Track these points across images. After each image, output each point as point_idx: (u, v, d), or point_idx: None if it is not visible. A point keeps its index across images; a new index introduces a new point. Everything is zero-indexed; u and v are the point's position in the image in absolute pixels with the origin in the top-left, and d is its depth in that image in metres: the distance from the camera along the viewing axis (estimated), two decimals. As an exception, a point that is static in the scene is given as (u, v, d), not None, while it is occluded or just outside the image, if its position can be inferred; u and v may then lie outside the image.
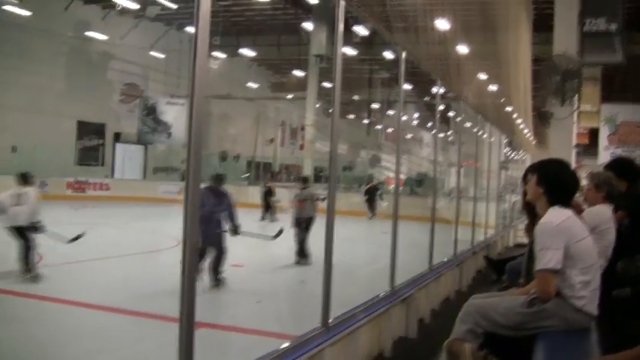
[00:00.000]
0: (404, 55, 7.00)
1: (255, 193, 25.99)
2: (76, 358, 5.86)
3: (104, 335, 6.39)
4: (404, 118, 26.81)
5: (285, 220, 13.03)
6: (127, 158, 33.36)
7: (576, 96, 16.28)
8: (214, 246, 9.30)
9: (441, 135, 13.51)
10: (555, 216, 3.92)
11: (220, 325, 6.59)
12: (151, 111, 33.29)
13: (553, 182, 4.13)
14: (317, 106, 32.72)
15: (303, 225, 12.18)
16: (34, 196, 9.91)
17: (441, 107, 9.94)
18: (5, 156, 25.54)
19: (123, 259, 12.06)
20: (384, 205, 24.65)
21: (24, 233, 9.68)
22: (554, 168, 4.26)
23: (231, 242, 9.63)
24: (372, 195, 25.81)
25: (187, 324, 3.16)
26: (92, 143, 31.93)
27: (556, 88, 15.42)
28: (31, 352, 6.05)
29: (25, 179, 10.10)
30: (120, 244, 14.06)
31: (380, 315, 6.06)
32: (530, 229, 5.70)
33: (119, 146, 33.33)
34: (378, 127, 42.40)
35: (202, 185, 15.48)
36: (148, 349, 6.25)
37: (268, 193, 24.09)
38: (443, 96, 9.70)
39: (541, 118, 17.34)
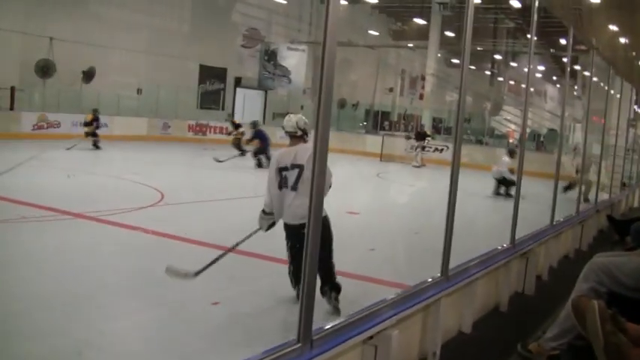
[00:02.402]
0: (537, 2, 6.75)
1: (373, 142, 26.02)
2: (197, 295, 6.07)
3: (223, 273, 6.58)
4: (527, 70, 26.04)
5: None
6: (247, 103, 33.92)
7: None
8: None
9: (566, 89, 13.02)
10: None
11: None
12: (271, 56, 33.63)
13: None
14: (438, 55, 32.15)
15: None
16: None
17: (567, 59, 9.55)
18: (131, 97, 26.58)
19: (242, 201, 12.39)
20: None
21: None
22: None
23: (348, 190, 9.69)
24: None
25: (310, 271, 3.22)
26: (214, 87, 32.64)
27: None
28: (150, 284, 6.32)
29: None
30: (239, 187, 14.41)
31: (498, 268, 6.01)
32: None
33: (240, 91, 33.90)
34: (500, 78, 41.35)
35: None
36: (266, 288, 6.43)
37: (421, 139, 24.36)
38: (572, 48, 9.33)
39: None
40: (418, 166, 23.78)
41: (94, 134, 20.08)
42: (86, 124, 20.29)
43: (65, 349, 4.64)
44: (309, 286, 3.23)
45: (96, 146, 19.78)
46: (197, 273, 5.74)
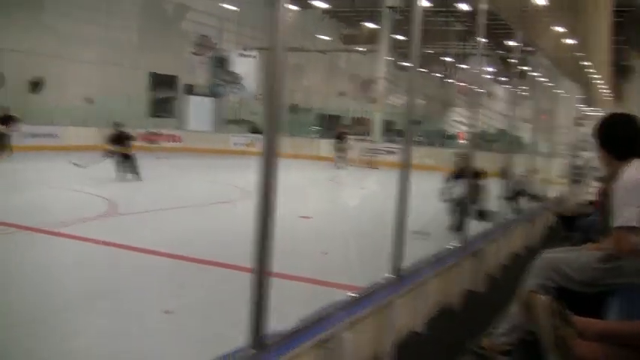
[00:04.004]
0: (484, 6, 6.85)
1: (325, 147, 26.14)
2: (150, 303, 6.03)
3: (176, 282, 6.54)
4: (476, 71, 26.36)
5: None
6: (198, 110, 33.74)
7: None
8: None
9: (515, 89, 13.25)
10: (634, 172, 3.83)
11: (287, 275, 6.68)
12: (223, 63, 33.50)
13: (610, 139, 4.05)
14: (389, 59, 32.38)
15: None
16: None
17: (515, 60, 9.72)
18: (82, 108, 26.23)
19: (194, 209, 12.31)
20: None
21: None
22: (606, 125, 4.17)
23: (300, 194, 9.71)
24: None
25: (261, 274, 3.22)
26: (164, 95, 32.40)
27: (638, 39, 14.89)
28: (105, 296, 6.25)
29: None
30: (191, 195, 14.32)
31: (450, 268, 6.07)
32: (606, 183, 5.59)
33: (191, 98, 33.71)
34: (450, 80, 41.80)
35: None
36: (220, 296, 6.40)
37: (340, 139, 24.40)
38: (520, 49, 9.49)
39: (620, 72, 16.83)
40: (341, 168, 24.01)
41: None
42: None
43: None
44: (261, 290, 3.22)
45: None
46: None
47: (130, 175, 15.78)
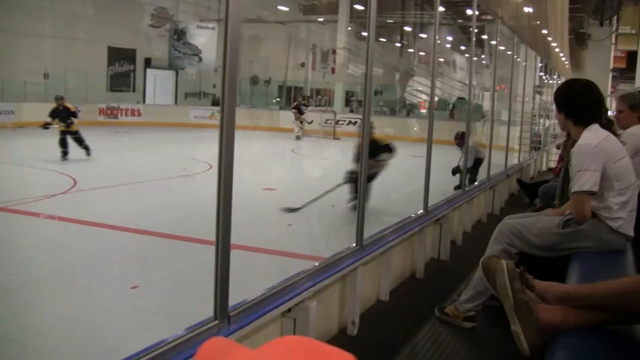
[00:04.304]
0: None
1: (286, 118, 26.10)
2: (112, 280, 5.99)
3: (139, 257, 6.49)
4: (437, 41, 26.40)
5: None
6: (158, 84, 33.36)
7: (615, 17, 15.83)
8: None
9: (475, 58, 13.29)
10: (593, 137, 3.88)
11: (253, 247, 6.67)
12: (181, 35, 33.06)
13: (570, 103, 4.08)
14: (349, 29, 32.29)
15: None
16: None
17: (476, 30, 9.74)
18: (38, 83, 25.75)
19: (155, 183, 12.21)
20: (414, 129, 24.60)
21: None
22: (565, 90, 4.20)
23: (263, 166, 9.69)
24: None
25: (223, 246, 3.21)
26: (123, 69, 31.95)
27: (595, 7, 15.00)
28: (65, 273, 6.19)
29: None
30: (152, 169, 14.19)
31: (412, 235, 6.12)
32: (565, 148, 5.66)
33: (150, 72, 33.28)
34: (410, 50, 41.83)
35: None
36: (184, 270, 6.37)
37: (298, 110, 24.41)
38: (478, 18, 9.51)
39: (578, 40, 16.99)
40: (300, 138, 24.10)
41: None
42: None
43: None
44: (222, 261, 3.21)
45: None
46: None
47: (67, 154, 14.86)
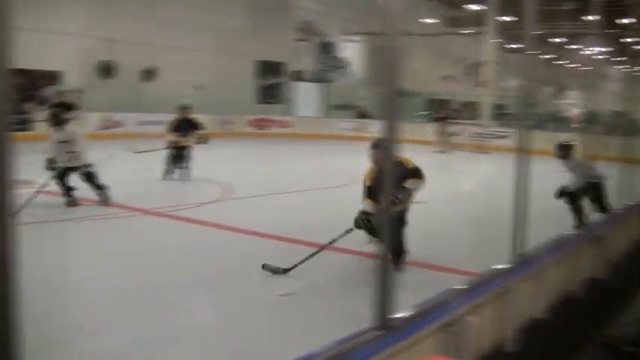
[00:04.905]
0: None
1: (430, 131, 25.92)
2: (267, 286, 6.16)
3: (286, 263, 6.63)
4: (587, 52, 25.49)
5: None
6: (305, 96, 34.05)
7: None
8: None
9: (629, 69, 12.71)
10: None
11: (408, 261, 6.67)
12: (328, 49, 33.63)
13: None
14: (495, 41, 31.72)
15: None
16: None
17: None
18: (190, 95, 27.00)
19: (307, 193, 12.45)
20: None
21: None
22: None
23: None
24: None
25: (383, 259, 3.26)
26: (271, 82, 32.89)
27: None
28: (214, 278, 6.45)
29: None
30: (301, 179, 14.46)
31: (570, 253, 5.95)
32: None
33: (297, 84, 34.05)
34: (560, 62, 40.59)
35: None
36: (332, 280, 6.45)
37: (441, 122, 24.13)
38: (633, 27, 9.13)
39: None
40: (443, 152, 23.64)
41: None
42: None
43: (158, 340, 4.84)
44: (385, 275, 3.26)
45: None
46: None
47: (176, 173, 13.21)
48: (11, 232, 1.60)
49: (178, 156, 13.18)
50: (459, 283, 4.33)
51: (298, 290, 5.90)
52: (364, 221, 6.36)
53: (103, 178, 10.25)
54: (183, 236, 8.46)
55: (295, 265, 6.29)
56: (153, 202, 10.59)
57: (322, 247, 6.39)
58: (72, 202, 9.89)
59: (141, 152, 14.38)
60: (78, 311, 5.34)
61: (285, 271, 6.31)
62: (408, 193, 6.54)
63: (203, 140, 13.38)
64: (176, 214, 9.71)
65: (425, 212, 9.76)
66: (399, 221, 6.43)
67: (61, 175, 9.84)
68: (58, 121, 10.04)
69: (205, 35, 27.35)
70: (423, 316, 3.59)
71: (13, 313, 1.68)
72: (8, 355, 1.71)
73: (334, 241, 6.45)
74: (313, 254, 6.30)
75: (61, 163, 9.78)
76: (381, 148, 5.71)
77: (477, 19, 33.27)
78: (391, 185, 3.48)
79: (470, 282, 4.34)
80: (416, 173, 6.57)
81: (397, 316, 3.39)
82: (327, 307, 5.57)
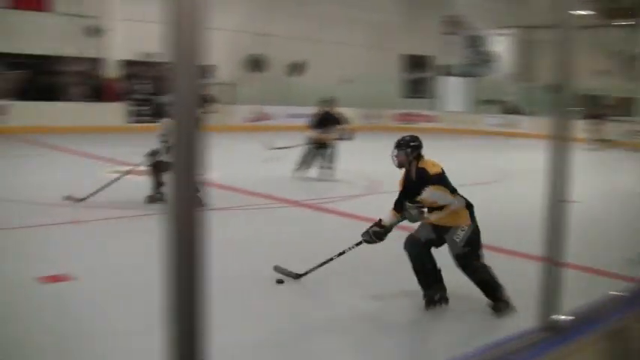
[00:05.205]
0: None
1: (583, 128, 24.99)
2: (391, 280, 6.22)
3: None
4: None
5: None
6: (452, 90, 33.65)
7: None
8: None
9: None
10: None
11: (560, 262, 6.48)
12: (476, 42, 33.01)
13: None
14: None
15: None
16: None
17: None
18: (337, 89, 27.30)
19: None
20: None
21: None
22: None
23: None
24: None
25: (556, 262, 3.20)
26: (418, 76, 32.76)
27: None
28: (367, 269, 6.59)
29: None
30: (450, 175, 14.24)
31: None
32: None
33: (445, 78, 33.70)
34: None
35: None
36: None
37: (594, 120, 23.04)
38: None
39: None
40: (595, 150, 22.55)
41: None
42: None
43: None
44: (551, 275, 3.20)
45: None
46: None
47: (312, 171, 12.94)
48: (200, 223, 1.66)
49: (318, 154, 12.88)
50: (618, 289, 4.18)
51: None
52: (376, 234, 5.75)
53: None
54: (335, 227, 8.64)
55: (307, 272, 6.10)
56: (300, 194, 10.93)
57: (331, 259, 6.03)
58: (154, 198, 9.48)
59: (276, 149, 14.08)
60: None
61: (298, 276, 6.13)
62: (421, 206, 5.67)
63: (347, 136, 12.94)
64: (325, 206, 9.91)
65: (580, 212, 9.49)
66: (435, 242, 5.64)
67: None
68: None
69: (355, 30, 27.67)
70: (587, 320, 3.49)
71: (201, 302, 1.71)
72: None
73: (343, 253, 5.99)
74: (323, 263, 6.05)
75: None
76: (404, 148, 5.57)
77: (634, 10, 31.75)
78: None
79: (633, 288, 4.17)
80: (435, 180, 5.63)
81: (562, 317, 3.31)
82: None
